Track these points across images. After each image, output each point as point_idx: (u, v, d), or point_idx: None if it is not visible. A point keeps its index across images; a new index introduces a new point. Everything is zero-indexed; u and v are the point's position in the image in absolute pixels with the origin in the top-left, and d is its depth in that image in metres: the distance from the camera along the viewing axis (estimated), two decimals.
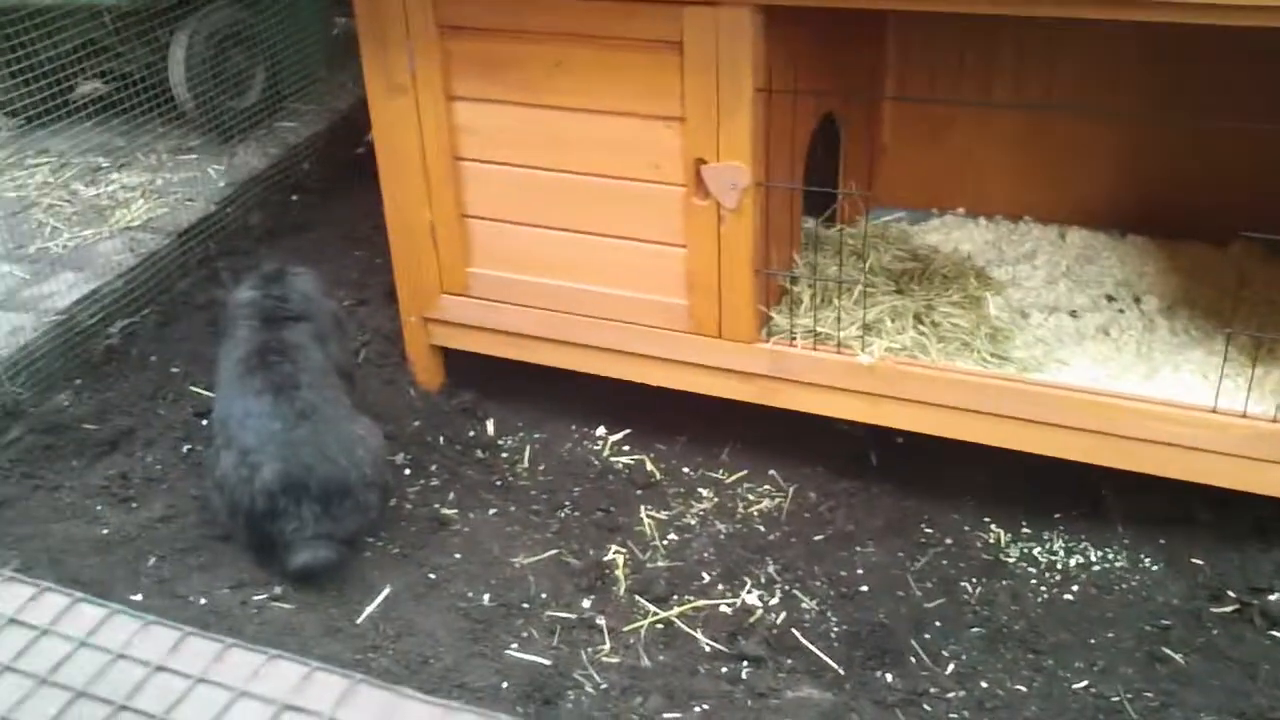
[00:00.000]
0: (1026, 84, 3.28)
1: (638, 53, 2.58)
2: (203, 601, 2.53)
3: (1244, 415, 2.44)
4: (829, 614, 2.55)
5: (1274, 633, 2.38)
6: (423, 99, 2.83)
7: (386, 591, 2.58)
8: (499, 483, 2.99)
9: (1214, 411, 2.46)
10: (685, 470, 3.02)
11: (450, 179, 2.90)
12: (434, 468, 3.02)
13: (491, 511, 2.88)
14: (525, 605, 2.59)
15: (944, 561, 2.68)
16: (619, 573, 2.67)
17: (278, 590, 2.56)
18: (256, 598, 2.55)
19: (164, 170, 3.95)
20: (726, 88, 2.51)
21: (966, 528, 2.78)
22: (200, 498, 2.82)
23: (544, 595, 2.62)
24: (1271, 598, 2.43)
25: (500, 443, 3.14)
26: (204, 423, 3.06)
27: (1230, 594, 2.49)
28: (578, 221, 2.85)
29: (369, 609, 2.53)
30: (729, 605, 2.58)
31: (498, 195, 2.89)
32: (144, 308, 3.45)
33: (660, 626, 2.53)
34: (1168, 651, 2.37)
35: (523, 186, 2.85)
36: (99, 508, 2.81)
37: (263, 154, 4.09)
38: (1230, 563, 2.57)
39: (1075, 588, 2.57)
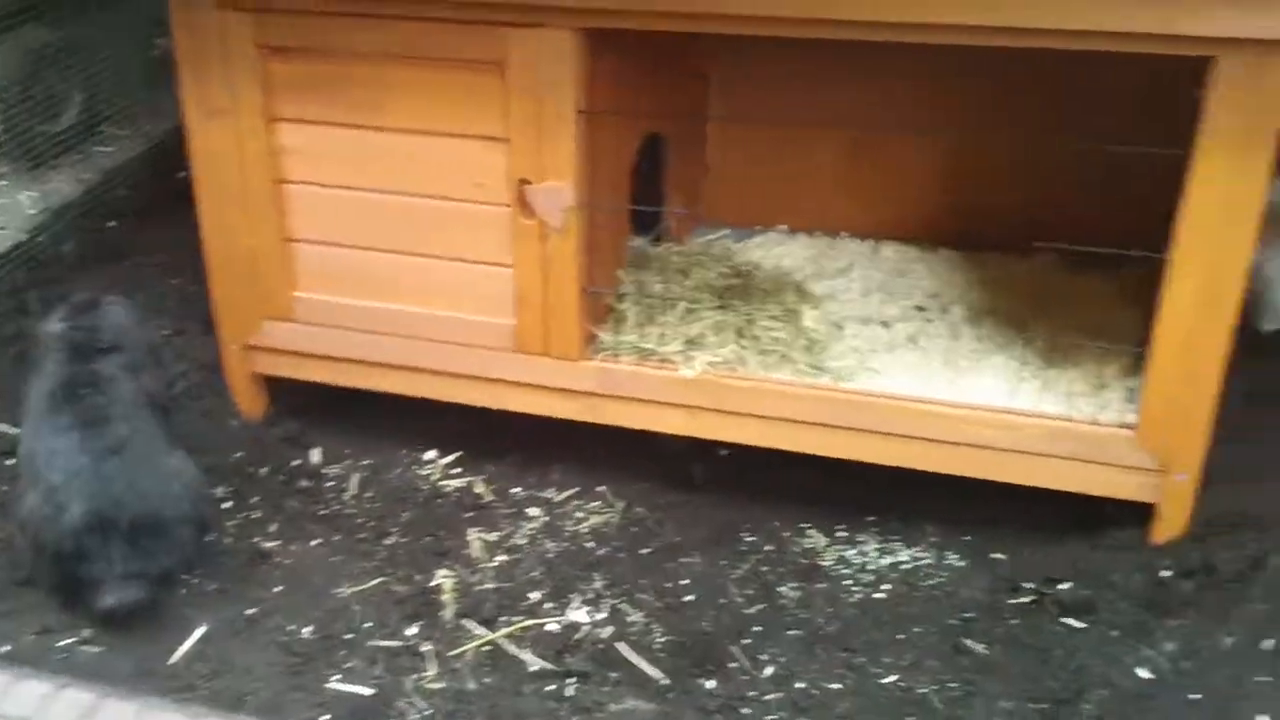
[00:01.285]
0: (851, 102, 3.41)
1: (462, 73, 2.60)
2: (6, 648, 2.42)
3: (1037, 416, 2.59)
4: (654, 626, 2.59)
5: (1066, 620, 2.51)
6: (243, 122, 2.79)
7: (203, 630, 2.51)
8: (324, 512, 2.95)
9: (1009, 412, 2.60)
10: (515, 490, 3.03)
11: (273, 203, 2.86)
12: (256, 500, 2.95)
13: (315, 542, 2.83)
14: (349, 636, 2.55)
15: (764, 568, 2.75)
16: (446, 597, 2.66)
17: (86, 634, 2.47)
18: (63, 643, 2.45)
19: None
20: (549, 109, 2.55)
21: (786, 534, 2.86)
22: (3, 540, 2.69)
23: (368, 625, 2.59)
24: (1063, 587, 2.57)
25: (326, 471, 3.09)
26: (9, 462, 2.93)
27: (1027, 585, 2.62)
28: (405, 243, 2.84)
29: (183, 648, 2.46)
30: (556, 623, 2.60)
31: (324, 218, 2.86)
32: None
33: (487, 649, 2.53)
34: (970, 643, 2.49)
35: (349, 209, 2.83)
36: None
37: (77, 180, 3.93)
38: (1028, 555, 2.71)
39: (887, 587, 2.68)
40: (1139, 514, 2.62)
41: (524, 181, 2.64)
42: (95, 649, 2.43)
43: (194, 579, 2.65)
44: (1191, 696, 2.28)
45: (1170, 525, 2.58)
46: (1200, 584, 2.51)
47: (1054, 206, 3.22)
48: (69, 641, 2.45)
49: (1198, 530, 2.58)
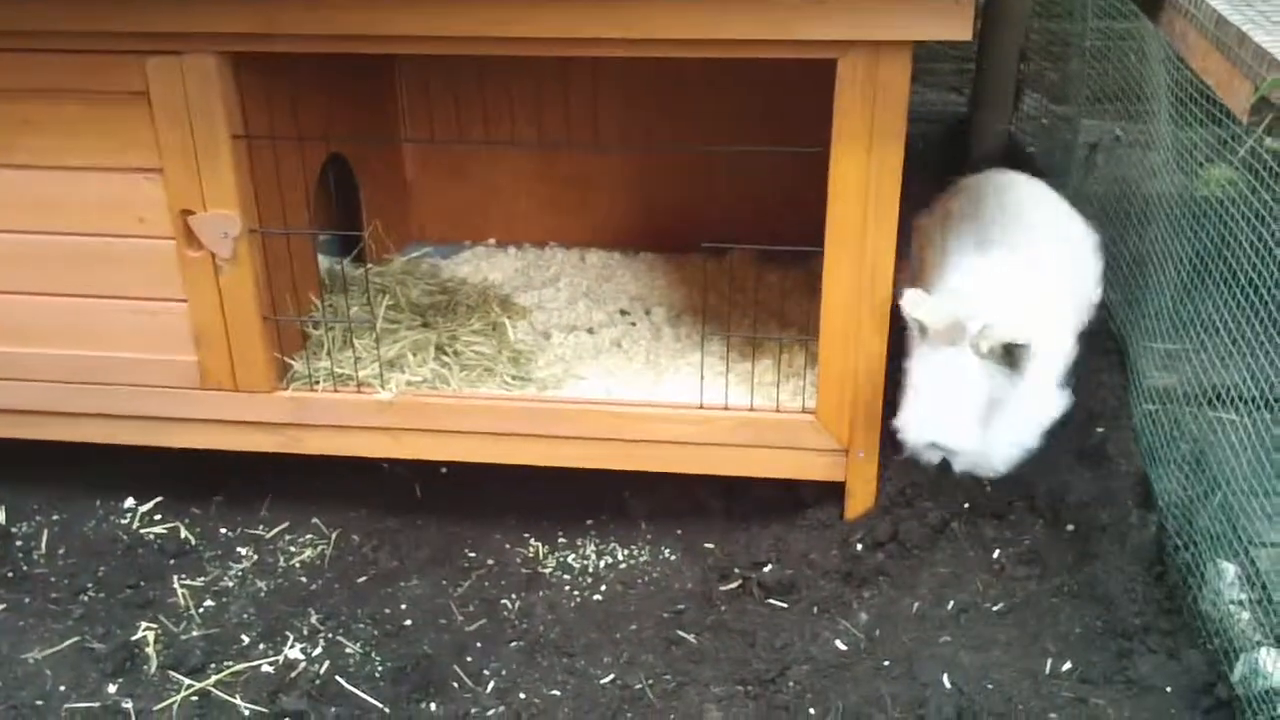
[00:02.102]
0: (545, 115, 3.46)
1: (107, 106, 2.48)
2: None
3: (726, 408, 2.70)
4: (373, 654, 2.54)
5: (771, 601, 2.64)
6: None
7: None
8: (11, 574, 2.74)
9: (701, 408, 2.71)
10: (223, 531, 2.90)
11: None
12: None
13: (0, 608, 2.62)
14: (40, 702, 2.38)
15: (486, 583, 2.75)
16: (150, 650, 2.52)
17: None
18: None
19: None
20: (202, 136, 2.46)
21: (508, 546, 2.87)
22: None
23: (63, 688, 2.42)
24: (767, 569, 2.69)
25: (13, 530, 2.88)
26: None
27: (736, 571, 2.73)
28: (72, 285, 2.68)
29: None
30: (270, 664, 2.51)
31: None
32: None
33: (195, 699, 2.41)
34: (682, 634, 2.57)
35: (8, 253, 2.64)
36: None
37: None
38: (736, 543, 2.83)
39: (604, 587, 2.73)
40: (834, 493, 2.78)
41: (186, 212, 2.54)
42: None
43: None
44: (884, 663, 2.44)
45: (859, 501, 2.75)
46: (890, 554, 2.69)
47: (747, 207, 3.39)
48: None
49: (885, 503, 2.75)
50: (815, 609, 2.60)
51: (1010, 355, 2.25)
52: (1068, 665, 2.37)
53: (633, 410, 2.71)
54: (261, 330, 2.65)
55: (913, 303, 2.30)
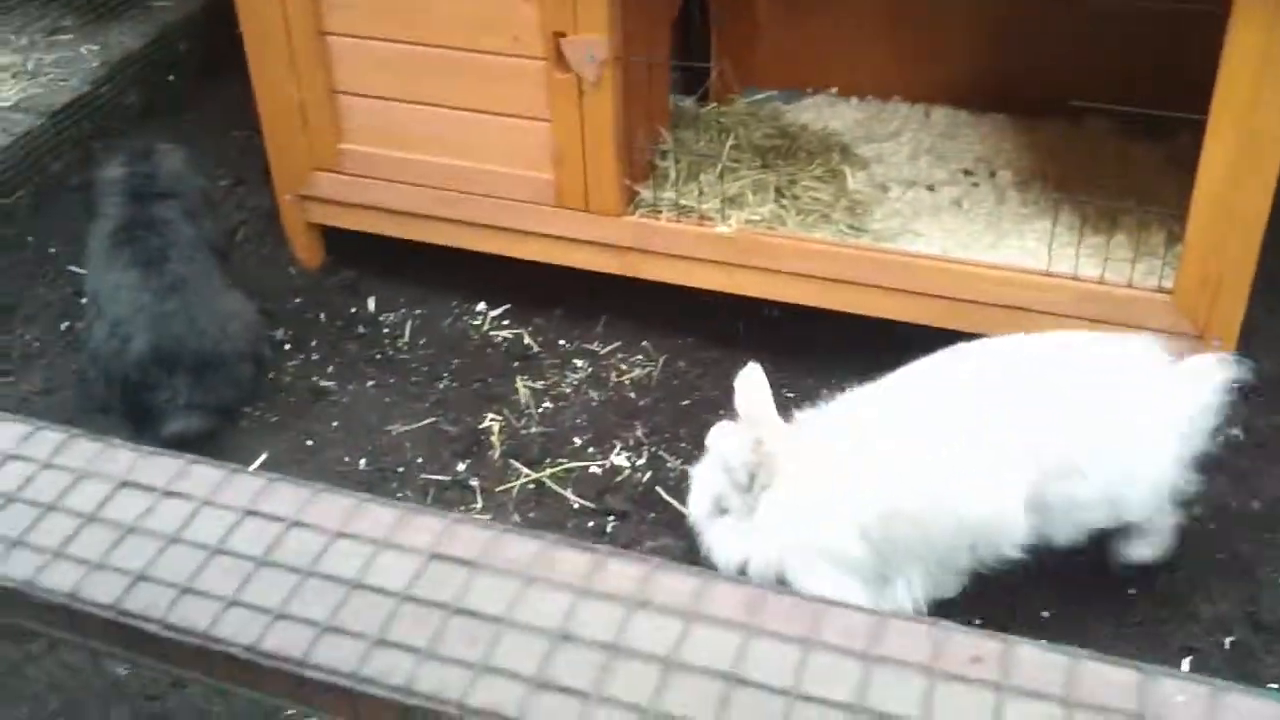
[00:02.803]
0: None
1: None
2: None
3: (1074, 277, 2.59)
4: (691, 471, 2.69)
5: None
6: None
7: (264, 456, 2.67)
8: (378, 356, 3.06)
9: (1047, 274, 2.61)
10: (561, 343, 3.11)
11: (317, 55, 2.90)
12: (314, 343, 3.08)
13: (370, 384, 2.96)
14: (400, 470, 2.69)
15: None
16: (494, 439, 2.78)
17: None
18: None
19: (36, 51, 3.87)
20: None
21: (823, 390, 2.91)
22: (79, 371, 2.86)
23: (420, 460, 2.72)
24: None
25: (381, 319, 3.20)
26: (82, 301, 3.08)
27: None
28: (445, 96, 2.88)
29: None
30: (599, 466, 2.71)
31: (366, 70, 2.91)
32: (18, 188, 3.42)
33: (532, 487, 2.65)
34: None
35: (390, 61, 2.87)
36: None
37: (138, 34, 4.00)
38: None
39: None
40: None
41: (558, 34, 2.65)
42: None
43: (255, 411, 2.80)
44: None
45: None
46: (1236, 447, 2.53)
47: (1111, 71, 3.14)
48: None
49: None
50: None
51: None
52: None
53: (972, 269, 2.65)
54: (615, 155, 2.76)
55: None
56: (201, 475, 0.87)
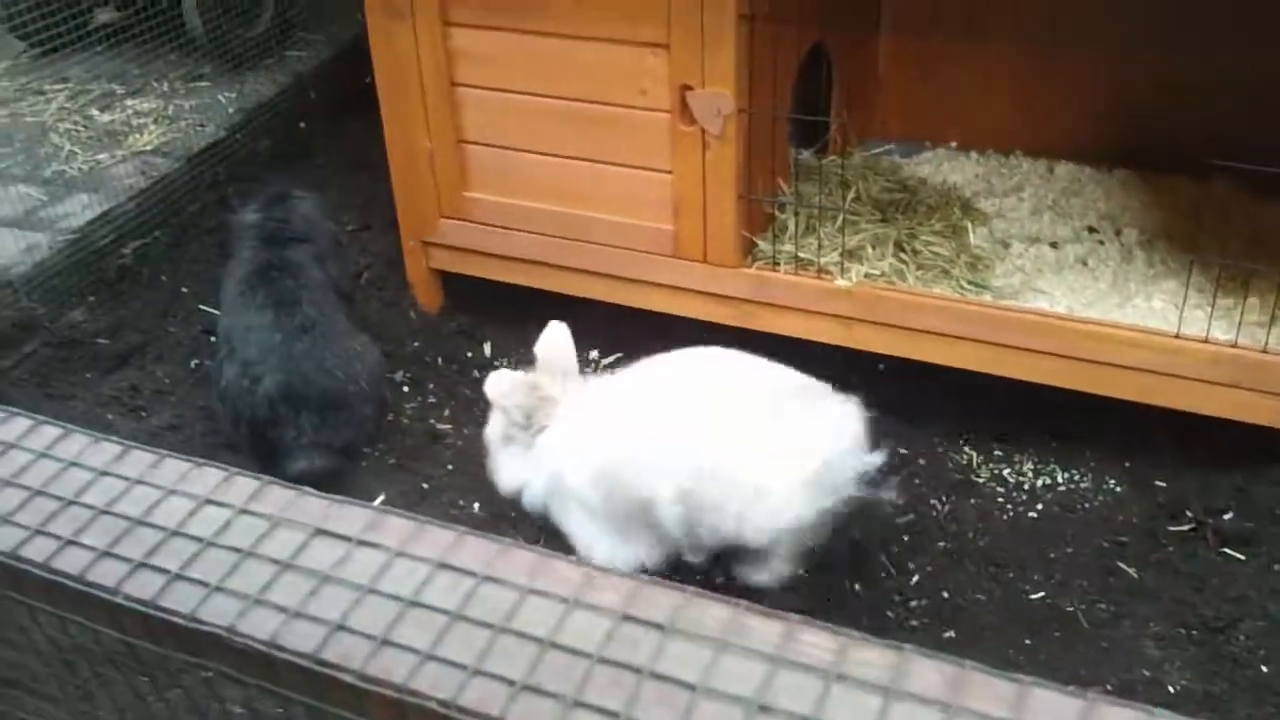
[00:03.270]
0: (1026, 16, 3.30)
1: None
2: None
3: (1205, 341, 2.52)
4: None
5: (1226, 550, 2.47)
6: (420, 24, 2.91)
7: (382, 498, 2.72)
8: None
9: (1177, 337, 2.54)
10: None
11: (447, 104, 2.98)
12: (431, 386, 3.14)
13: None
14: (513, 514, 2.71)
15: (916, 479, 2.78)
16: None
17: None
18: None
19: (176, 97, 4.04)
20: (711, 14, 2.57)
21: (940, 449, 2.87)
22: (207, 409, 2.95)
23: None
24: (1226, 517, 2.52)
25: (496, 364, 3.24)
26: (212, 339, 3.18)
27: (1188, 514, 2.58)
28: (569, 147, 2.93)
29: None
30: None
31: (493, 121, 2.98)
32: (155, 229, 3.57)
33: None
34: (1123, 565, 2.48)
35: (516, 112, 2.93)
36: (110, 417, 2.95)
37: (272, 82, 4.16)
38: (1190, 484, 2.66)
39: (1040, 507, 2.67)
40: None
41: (685, 87, 2.68)
42: None
43: (375, 453, 2.86)
44: None
45: None
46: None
47: (1237, 128, 3.07)
48: None
49: None
50: (1277, 566, 2.41)
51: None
52: None
53: (1098, 329, 2.60)
54: (736, 207, 2.78)
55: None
56: (394, 526, 0.89)
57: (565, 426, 2.45)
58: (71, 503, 0.97)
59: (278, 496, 0.93)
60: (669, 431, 2.32)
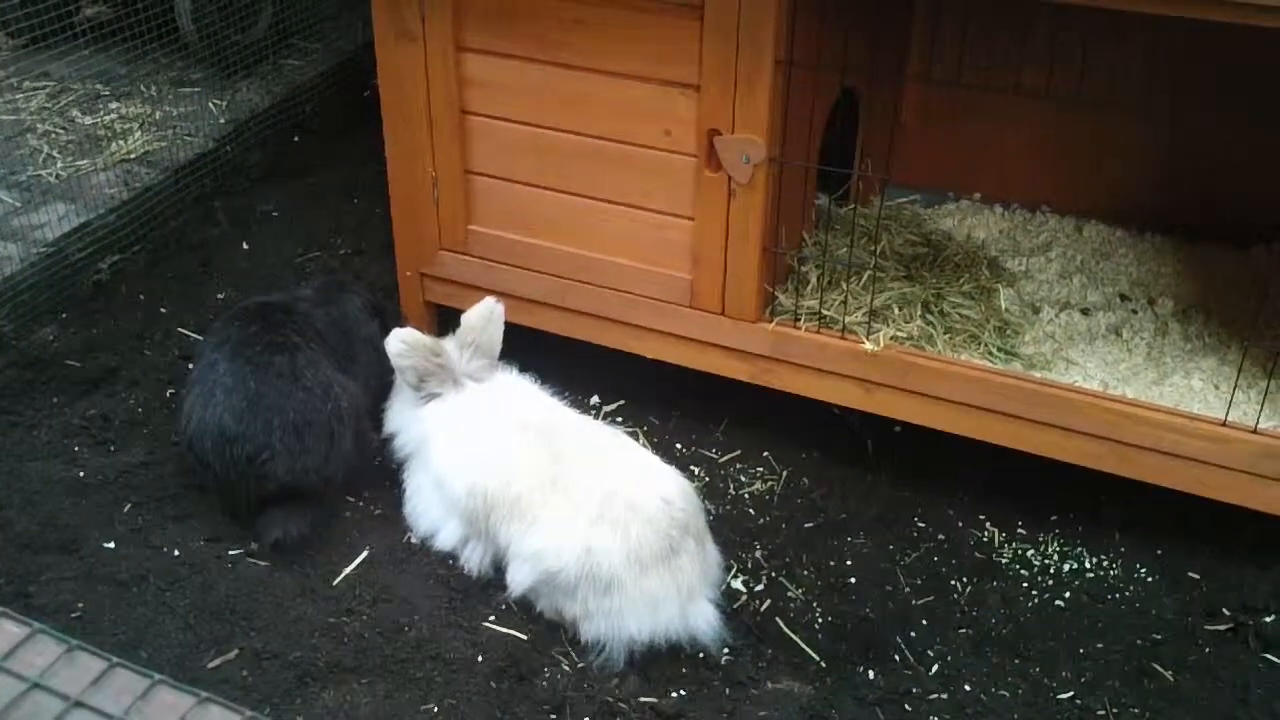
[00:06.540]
0: (1058, 71, 3.16)
1: (658, 15, 2.48)
2: (176, 553, 2.48)
3: (1255, 431, 2.37)
4: (815, 604, 2.50)
5: (1269, 656, 2.33)
6: (432, 48, 2.73)
7: (366, 553, 2.53)
8: None
9: (1224, 425, 2.39)
10: (678, 446, 2.95)
11: (456, 133, 2.81)
12: None
13: None
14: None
15: (935, 558, 2.62)
16: None
17: (254, 545, 2.51)
18: (232, 552, 2.50)
19: (164, 102, 3.83)
20: (746, 57, 2.41)
21: (960, 524, 2.72)
22: (178, 445, 2.75)
23: None
24: (1267, 619, 2.38)
25: None
26: (190, 366, 2.98)
27: (1225, 612, 2.44)
28: (584, 185, 2.76)
29: (346, 570, 2.48)
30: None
31: (503, 152, 2.80)
32: (135, 244, 3.36)
33: None
34: (1158, 667, 2.33)
35: (530, 145, 2.76)
36: (77, 448, 2.75)
37: (266, 91, 3.96)
38: (1228, 580, 2.52)
39: (1067, 594, 2.52)
40: None
41: (714, 131, 2.52)
42: (262, 563, 2.47)
43: (360, 502, 2.67)
44: None
45: None
46: None
47: (1277, 197, 2.95)
48: (237, 552, 2.50)
49: None
50: None
51: None
52: None
53: (1136, 411, 2.44)
54: (759, 259, 2.62)
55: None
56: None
57: (449, 410, 2.51)
58: None
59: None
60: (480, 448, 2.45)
